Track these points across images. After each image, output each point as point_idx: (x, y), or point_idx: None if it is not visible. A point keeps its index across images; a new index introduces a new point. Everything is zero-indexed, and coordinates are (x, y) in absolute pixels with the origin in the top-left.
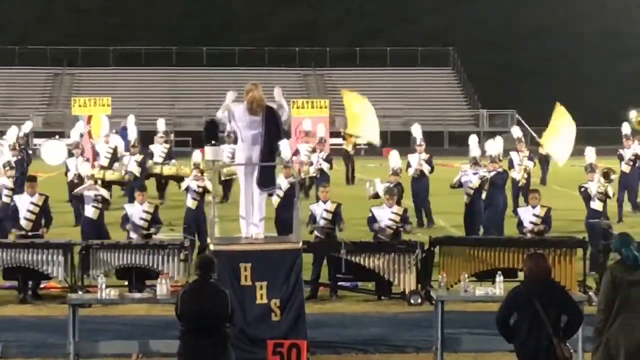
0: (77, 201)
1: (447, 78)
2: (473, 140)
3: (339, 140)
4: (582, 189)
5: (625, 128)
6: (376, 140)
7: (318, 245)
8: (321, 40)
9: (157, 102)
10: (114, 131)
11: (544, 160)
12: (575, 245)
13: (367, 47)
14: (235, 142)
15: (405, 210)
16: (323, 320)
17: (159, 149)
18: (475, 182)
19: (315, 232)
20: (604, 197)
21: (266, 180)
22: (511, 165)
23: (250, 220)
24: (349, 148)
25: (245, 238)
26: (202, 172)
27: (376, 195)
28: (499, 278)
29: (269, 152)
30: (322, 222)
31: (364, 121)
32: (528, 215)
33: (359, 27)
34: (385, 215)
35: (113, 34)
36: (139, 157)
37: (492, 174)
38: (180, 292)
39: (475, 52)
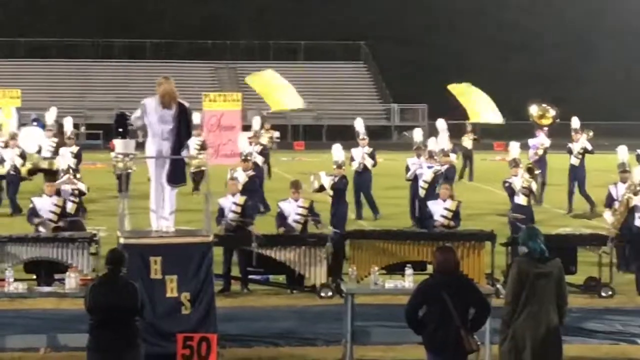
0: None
1: (359, 72)
2: (418, 133)
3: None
4: (506, 184)
5: (575, 122)
6: (300, 103)
7: (229, 239)
8: (234, 34)
9: (67, 94)
10: (34, 124)
11: (468, 156)
12: (484, 238)
13: (279, 41)
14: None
15: (312, 203)
16: (234, 313)
17: (47, 142)
18: (428, 176)
19: (226, 226)
20: (528, 192)
21: (176, 177)
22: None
23: (161, 213)
24: (266, 142)
25: (155, 231)
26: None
27: (321, 188)
28: (409, 271)
29: (179, 147)
30: (230, 216)
31: (277, 91)
32: (439, 208)
33: (271, 20)
34: (293, 209)
35: (24, 26)
36: (75, 149)
37: (445, 167)
38: (90, 285)
39: (386, 47)
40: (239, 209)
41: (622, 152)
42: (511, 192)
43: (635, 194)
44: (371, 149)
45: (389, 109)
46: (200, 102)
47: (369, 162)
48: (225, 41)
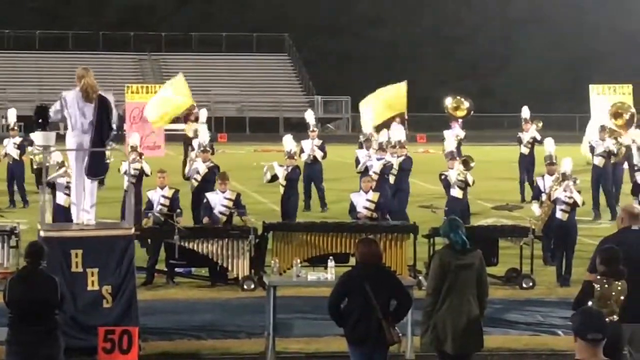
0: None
1: (283, 64)
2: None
3: (181, 126)
4: (442, 177)
5: (525, 112)
6: (190, 101)
7: (153, 231)
8: (156, 25)
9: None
10: None
11: None
12: (406, 230)
13: (202, 33)
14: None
15: (238, 196)
16: (156, 306)
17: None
18: (377, 167)
19: (153, 219)
20: (464, 184)
21: (96, 169)
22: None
23: (82, 206)
24: (190, 133)
25: (76, 224)
26: (140, 155)
27: (274, 178)
28: (331, 263)
29: (100, 140)
30: (158, 208)
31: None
32: (361, 200)
33: (194, 12)
34: (219, 200)
35: None
36: (17, 140)
37: (401, 159)
38: (9, 279)
39: (310, 39)
40: (167, 202)
41: (549, 145)
42: (447, 184)
43: (560, 184)
44: (321, 141)
45: (312, 101)
46: (123, 94)
47: (318, 154)
48: (148, 32)
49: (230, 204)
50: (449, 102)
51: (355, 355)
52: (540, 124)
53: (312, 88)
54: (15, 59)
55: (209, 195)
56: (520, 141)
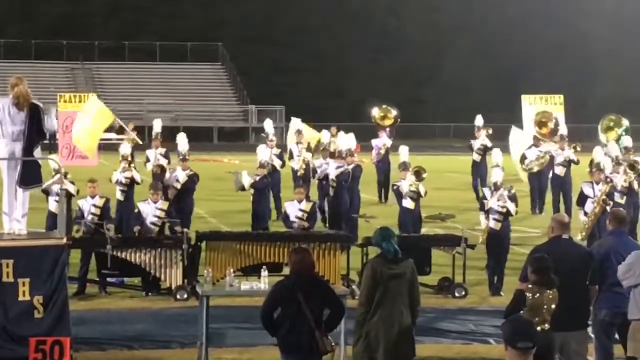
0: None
1: (217, 74)
2: (295, 125)
3: (114, 135)
4: (395, 187)
5: (478, 120)
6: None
7: (85, 241)
8: (89, 34)
9: None
10: None
11: None
12: (340, 240)
13: (135, 41)
14: None
15: (170, 206)
16: (88, 316)
17: None
18: (333, 175)
19: (85, 228)
20: (416, 195)
21: (29, 179)
22: (291, 156)
23: (13, 216)
24: (130, 143)
25: (7, 234)
26: (129, 163)
27: (242, 188)
28: (264, 272)
29: (31, 148)
30: (89, 218)
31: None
32: (294, 210)
33: (127, 20)
34: (151, 210)
35: None
36: None
37: (352, 166)
38: None
39: (244, 48)
40: (98, 211)
41: (496, 155)
42: (399, 195)
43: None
44: (279, 150)
45: (246, 110)
46: (55, 103)
47: (277, 163)
48: (80, 41)
49: (162, 214)
50: (375, 111)
51: None
52: (490, 131)
53: (246, 97)
54: None
55: (140, 205)
56: (471, 148)
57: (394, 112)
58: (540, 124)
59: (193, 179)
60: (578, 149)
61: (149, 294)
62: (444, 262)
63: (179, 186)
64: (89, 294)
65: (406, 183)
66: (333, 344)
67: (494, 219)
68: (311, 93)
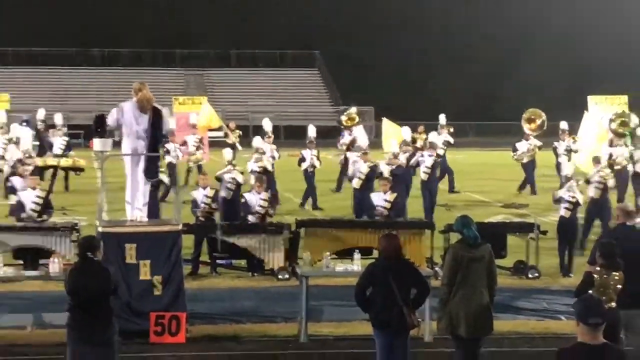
0: None
1: (313, 78)
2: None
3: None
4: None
5: (442, 119)
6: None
7: (198, 227)
8: (201, 44)
9: (51, 98)
10: (23, 123)
11: None
12: (423, 226)
13: (240, 50)
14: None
15: (274, 195)
16: (201, 294)
17: (58, 141)
18: (364, 170)
19: (199, 215)
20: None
21: (151, 172)
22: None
23: (135, 205)
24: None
25: (130, 221)
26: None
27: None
28: (357, 256)
29: (153, 146)
30: (202, 206)
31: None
32: (379, 200)
33: (234, 31)
34: (256, 200)
35: (12, 36)
36: (65, 139)
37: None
38: (69, 270)
39: (337, 55)
40: (209, 200)
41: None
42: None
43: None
44: (317, 150)
45: (338, 111)
46: (171, 105)
47: (316, 163)
48: (192, 50)
49: (266, 204)
50: (348, 112)
51: (380, 339)
52: (452, 129)
53: (339, 99)
54: (74, 75)
55: (246, 195)
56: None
57: (543, 116)
58: (530, 120)
59: (374, 170)
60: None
61: (254, 274)
62: (518, 247)
63: (362, 177)
64: (201, 274)
65: None
66: (419, 320)
67: (565, 208)
68: (398, 93)
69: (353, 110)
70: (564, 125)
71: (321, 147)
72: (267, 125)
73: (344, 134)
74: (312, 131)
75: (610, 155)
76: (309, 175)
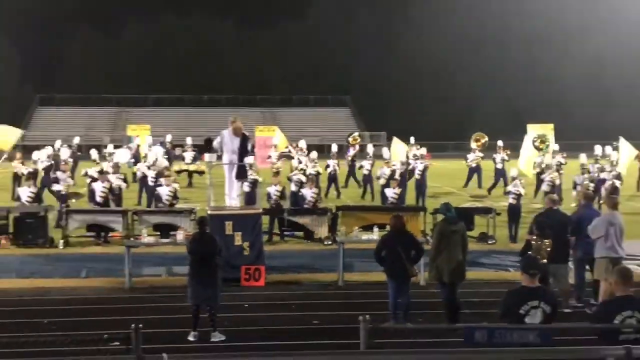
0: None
1: (344, 114)
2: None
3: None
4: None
5: (412, 140)
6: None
7: (272, 210)
8: (271, 90)
9: (177, 129)
10: (158, 144)
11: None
12: (419, 210)
13: (297, 95)
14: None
15: (318, 193)
16: (274, 254)
17: (189, 154)
18: (387, 174)
19: (272, 202)
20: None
21: (241, 175)
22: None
23: (231, 196)
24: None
25: (229, 207)
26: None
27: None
28: (375, 229)
29: (242, 158)
30: (273, 197)
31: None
32: (391, 193)
33: (294, 81)
34: (309, 194)
35: (151, 84)
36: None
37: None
38: (189, 239)
39: (360, 96)
40: (278, 193)
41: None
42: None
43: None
44: (337, 160)
45: (364, 136)
46: (253, 133)
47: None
48: (265, 96)
49: (316, 196)
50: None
51: (390, 283)
52: (419, 146)
53: (365, 128)
54: (192, 112)
55: (303, 190)
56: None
57: (485, 137)
58: (476, 139)
59: (393, 172)
60: None
61: (308, 241)
62: (481, 223)
63: (386, 177)
64: (274, 242)
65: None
66: (417, 271)
67: (512, 198)
68: (403, 120)
69: (356, 134)
70: (500, 143)
71: (342, 157)
72: (303, 143)
73: (349, 150)
74: (334, 147)
75: (540, 164)
76: (331, 177)
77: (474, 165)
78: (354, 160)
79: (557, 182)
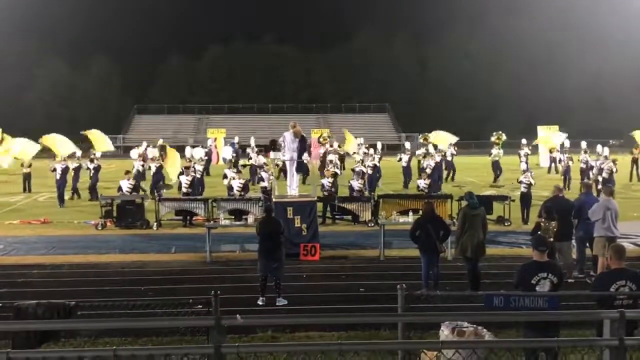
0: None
1: (384, 119)
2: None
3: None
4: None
5: (407, 144)
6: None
7: (325, 198)
8: (324, 99)
9: (246, 132)
10: (229, 144)
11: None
12: (446, 197)
13: (346, 104)
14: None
15: (364, 183)
16: (327, 233)
17: (253, 153)
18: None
19: (325, 192)
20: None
21: (300, 169)
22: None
23: (292, 187)
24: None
25: (289, 195)
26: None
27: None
28: (411, 213)
29: (300, 155)
30: (326, 187)
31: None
32: (422, 184)
33: (344, 90)
34: (356, 185)
35: (225, 93)
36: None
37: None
38: (258, 221)
39: (398, 103)
40: (330, 184)
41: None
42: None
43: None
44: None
45: (399, 136)
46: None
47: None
48: (320, 104)
49: (361, 186)
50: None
51: (423, 258)
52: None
53: (401, 130)
54: (258, 119)
55: (352, 182)
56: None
57: (504, 136)
58: (498, 139)
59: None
60: None
61: (355, 223)
62: (499, 208)
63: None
64: (327, 224)
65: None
66: (445, 247)
67: (524, 187)
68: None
69: (325, 134)
70: (524, 141)
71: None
72: (379, 146)
73: (321, 148)
74: (379, 145)
75: (553, 159)
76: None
77: (496, 159)
78: (325, 156)
79: (614, 170)
